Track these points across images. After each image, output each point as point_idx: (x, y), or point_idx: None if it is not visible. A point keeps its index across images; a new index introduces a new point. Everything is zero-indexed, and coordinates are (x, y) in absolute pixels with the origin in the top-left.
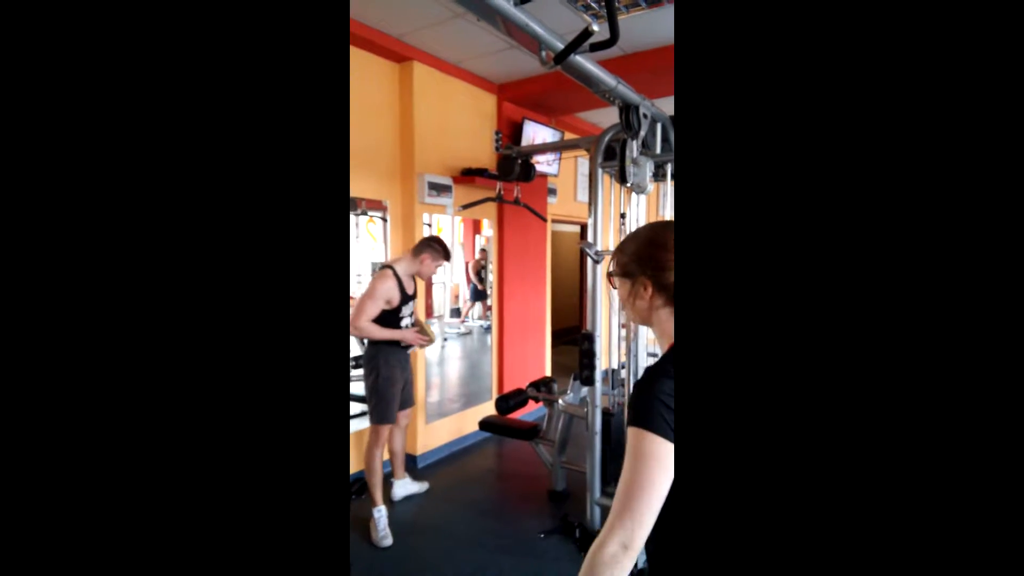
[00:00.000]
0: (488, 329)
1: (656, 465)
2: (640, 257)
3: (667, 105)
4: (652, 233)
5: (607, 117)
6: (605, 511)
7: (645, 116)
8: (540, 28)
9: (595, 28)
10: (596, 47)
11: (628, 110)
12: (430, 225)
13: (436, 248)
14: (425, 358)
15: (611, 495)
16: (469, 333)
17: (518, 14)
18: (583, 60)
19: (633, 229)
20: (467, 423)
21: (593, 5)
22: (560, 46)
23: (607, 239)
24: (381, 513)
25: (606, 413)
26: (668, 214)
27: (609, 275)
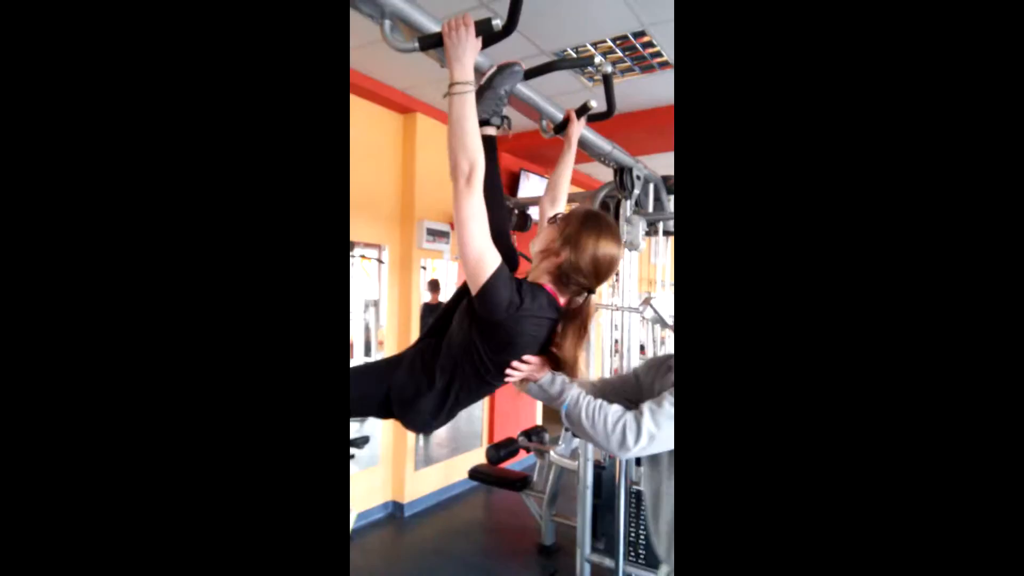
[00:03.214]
0: None
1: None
2: (577, 241)
3: (660, 161)
4: (600, 238)
5: (602, 170)
6: (595, 568)
7: (639, 177)
8: (542, 100)
9: (593, 104)
10: (594, 118)
11: (622, 172)
12: (425, 268)
13: None
14: None
15: (601, 551)
16: None
17: (522, 88)
18: (581, 128)
19: (625, 280)
20: (455, 471)
21: (591, 70)
22: (560, 116)
23: (600, 293)
24: None
25: (597, 466)
26: (659, 265)
27: (553, 219)
